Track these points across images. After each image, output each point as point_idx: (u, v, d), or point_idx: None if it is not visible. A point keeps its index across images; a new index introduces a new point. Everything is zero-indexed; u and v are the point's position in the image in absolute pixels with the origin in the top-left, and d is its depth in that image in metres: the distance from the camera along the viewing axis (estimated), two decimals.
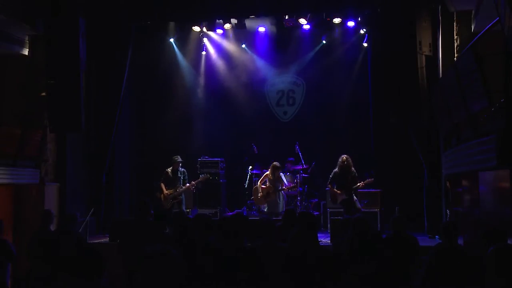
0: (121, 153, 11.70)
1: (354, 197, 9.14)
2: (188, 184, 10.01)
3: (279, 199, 10.10)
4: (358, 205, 9.18)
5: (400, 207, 8.71)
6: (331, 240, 8.58)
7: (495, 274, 2.96)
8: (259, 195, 10.19)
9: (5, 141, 8.74)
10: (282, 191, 10.22)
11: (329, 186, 9.30)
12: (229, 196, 11.96)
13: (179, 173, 10.00)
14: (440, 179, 9.40)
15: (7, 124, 9.02)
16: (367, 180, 9.13)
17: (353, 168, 9.14)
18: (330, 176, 9.29)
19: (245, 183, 11.32)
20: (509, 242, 4.79)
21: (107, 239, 9.23)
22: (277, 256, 4.30)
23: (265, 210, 10.22)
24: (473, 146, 6.29)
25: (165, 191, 9.82)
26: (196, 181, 10.15)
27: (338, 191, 9.12)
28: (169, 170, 10.04)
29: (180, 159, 10.06)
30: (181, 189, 9.87)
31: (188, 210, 10.86)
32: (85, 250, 3.18)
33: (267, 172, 10.18)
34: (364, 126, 11.51)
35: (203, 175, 10.39)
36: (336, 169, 9.23)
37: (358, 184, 9.05)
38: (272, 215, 9.53)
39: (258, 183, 10.35)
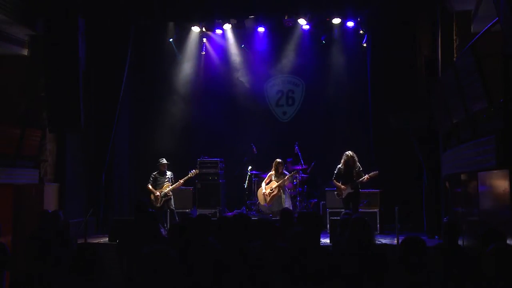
0: (120, 153, 11.71)
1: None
2: (177, 183, 9.99)
3: (285, 195, 10.14)
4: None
5: (399, 207, 8.70)
6: (330, 240, 8.59)
7: (494, 274, 2.96)
8: (265, 192, 10.20)
9: (4, 141, 8.75)
10: (286, 188, 10.26)
11: (334, 181, 9.26)
12: (229, 196, 11.96)
13: (166, 175, 10.02)
14: (440, 179, 9.40)
15: (6, 124, 9.02)
16: (372, 173, 9.09)
17: (358, 163, 9.12)
18: (335, 171, 9.26)
19: (245, 183, 11.32)
20: (508, 242, 4.79)
21: (106, 239, 9.24)
22: (277, 256, 4.29)
23: (268, 210, 10.22)
24: (473, 147, 6.29)
25: (156, 191, 9.87)
26: (185, 178, 10.11)
27: (343, 186, 9.10)
28: (155, 173, 10.05)
29: (165, 161, 10.07)
30: (170, 187, 9.91)
31: (188, 210, 10.89)
32: (77, 249, 3.19)
33: (271, 172, 10.22)
34: (363, 126, 11.51)
35: (191, 171, 10.32)
36: (341, 165, 9.19)
37: (363, 177, 9.02)
38: (278, 213, 9.53)
39: (263, 183, 10.38)
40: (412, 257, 3.55)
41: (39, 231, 6.52)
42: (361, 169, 9.12)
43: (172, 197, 10.04)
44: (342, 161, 9.19)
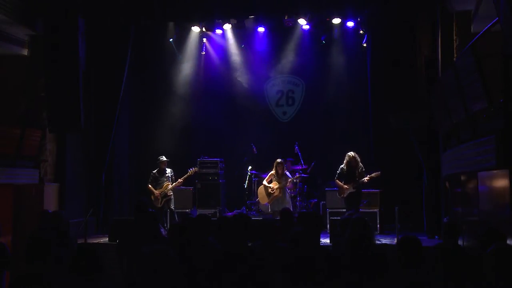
0: (120, 153, 11.71)
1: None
2: (177, 182, 10.01)
3: (286, 197, 10.11)
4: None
5: (399, 207, 8.71)
6: (330, 240, 8.59)
7: (494, 274, 2.96)
8: (267, 190, 10.18)
9: (4, 141, 8.75)
10: (287, 189, 10.24)
11: (336, 180, 9.28)
12: (229, 196, 11.95)
13: (166, 173, 10.02)
14: (440, 179, 9.41)
15: (6, 124, 9.02)
16: (374, 173, 9.08)
17: (360, 164, 9.12)
18: (338, 171, 9.27)
19: (245, 183, 11.32)
20: (508, 242, 4.79)
21: (106, 239, 9.24)
22: (277, 256, 4.30)
23: (269, 210, 10.21)
24: (473, 147, 6.30)
25: (156, 191, 9.87)
26: (184, 176, 10.13)
27: (346, 186, 9.11)
28: (155, 171, 10.06)
29: (165, 159, 10.05)
30: (170, 186, 9.91)
31: (188, 210, 10.89)
32: (79, 249, 3.20)
33: (272, 172, 10.19)
34: (363, 126, 11.52)
35: (190, 169, 10.31)
36: (343, 166, 9.20)
37: (364, 178, 9.01)
38: (277, 213, 9.52)
39: (264, 182, 10.35)
40: (408, 256, 3.60)
41: (39, 231, 6.52)
42: (363, 169, 9.11)
43: (172, 197, 10.04)
44: (344, 161, 9.19)
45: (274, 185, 10.16)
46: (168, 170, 10.09)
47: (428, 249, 5.27)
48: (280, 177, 10.11)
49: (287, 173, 10.33)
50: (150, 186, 9.99)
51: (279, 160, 10.13)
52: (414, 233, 9.71)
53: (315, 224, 4.90)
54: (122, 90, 10.85)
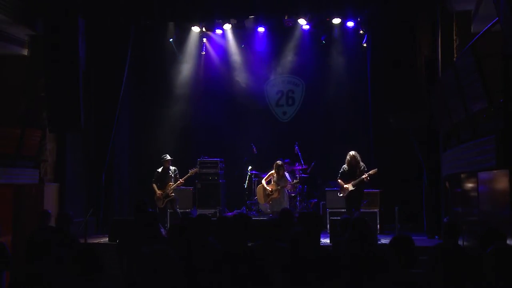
0: (120, 153, 11.72)
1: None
2: (178, 182, 10.00)
3: (284, 198, 10.10)
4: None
5: (399, 207, 8.71)
6: (330, 240, 8.60)
7: (494, 274, 2.96)
8: (266, 191, 10.17)
9: (4, 141, 8.75)
10: (286, 190, 10.22)
11: (338, 180, 9.28)
12: (229, 196, 11.95)
13: (170, 172, 10.01)
14: (440, 179, 9.41)
15: (6, 124, 9.02)
16: (371, 171, 9.06)
17: (361, 163, 9.12)
18: (340, 171, 9.28)
19: (245, 183, 11.32)
20: (508, 242, 4.80)
21: (106, 239, 9.24)
22: (277, 256, 4.30)
23: (268, 209, 10.21)
24: (473, 147, 6.30)
25: (158, 191, 9.86)
26: (185, 176, 10.12)
27: (346, 186, 9.11)
28: (159, 170, 10.05)
29: (169, 157, 10.04)
30: (172, 187, 9.90)
31: (188, 210, 10.89)
32: (79, 249, 3.20)
33: (272, 171, 10.18)
34: (363, 126, 11.52)
35: (191, 170, 10.32)
36: (345, 165, 9.22)
37: (363, 176, 9.00)
38: (276, 214, 9.51)
39: (263, 181, 10.33)
40: (401, 255, 3.67)
41: (39, 231, 6.52)
42: (365, 168, 9.10)
43: (176, 198, 9.98)
44: (346, 161, 9.21)
45: (272, 186, 10.14)
46: (172, 169, 10.07)
47: (428, 249, 5.28)
48: (279, 178, 10.09)
49: (287, 175, 10.30)
50: (154, 185, 9.98)
51: (279, 162, 10.10)
52: (414, 233, 9.81)
53: (315, 224, 4.90)
54: (122, 90, 10.86)
